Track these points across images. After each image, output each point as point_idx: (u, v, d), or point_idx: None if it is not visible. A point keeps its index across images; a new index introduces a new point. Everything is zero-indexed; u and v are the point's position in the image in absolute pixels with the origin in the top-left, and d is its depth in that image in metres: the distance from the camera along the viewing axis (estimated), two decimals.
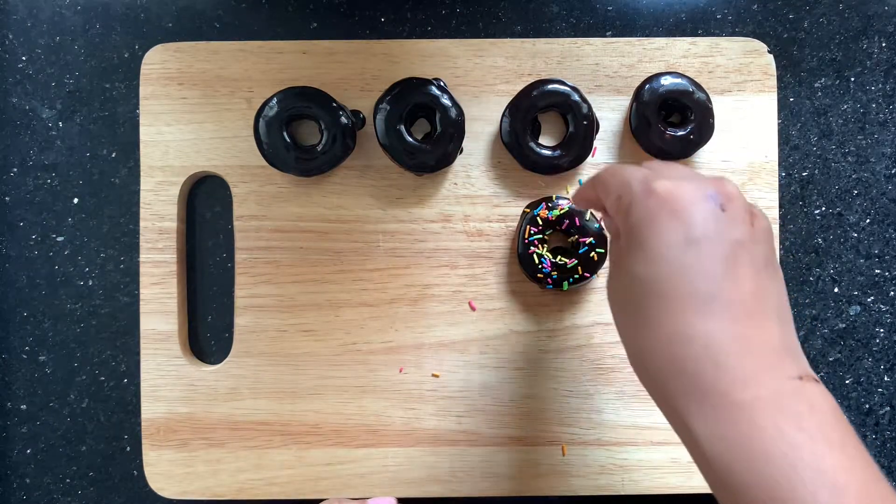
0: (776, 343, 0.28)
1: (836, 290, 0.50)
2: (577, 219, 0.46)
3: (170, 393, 0.47)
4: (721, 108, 0.47)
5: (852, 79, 0.50)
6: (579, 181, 0.48)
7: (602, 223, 0.40)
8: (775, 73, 0.48)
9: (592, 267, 0.46)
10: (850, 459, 0.26)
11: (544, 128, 0.48)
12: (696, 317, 0.28)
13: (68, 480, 0.50)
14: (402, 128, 0.46)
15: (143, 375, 0.47)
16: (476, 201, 0.48)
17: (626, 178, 0.31)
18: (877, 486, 0.26)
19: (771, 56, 0.48)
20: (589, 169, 0.48)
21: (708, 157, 0.48)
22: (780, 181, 0.49)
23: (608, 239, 0.45)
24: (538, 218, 0.46)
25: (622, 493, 0.47)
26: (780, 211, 0.49)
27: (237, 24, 0.50)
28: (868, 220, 0.50)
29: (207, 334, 0.50)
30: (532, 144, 0.46)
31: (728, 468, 0.27)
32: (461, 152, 0.47)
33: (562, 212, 0.46)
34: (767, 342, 0.28)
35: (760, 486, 0.26)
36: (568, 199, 0.47)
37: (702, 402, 0.27)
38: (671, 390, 0.28)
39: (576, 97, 0.46)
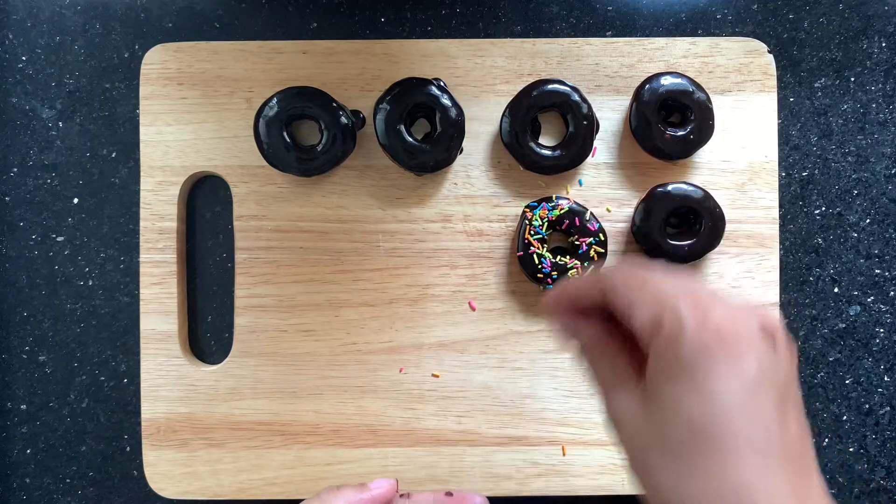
0: (820, 490, 0.28)
1: (836, 290, 0.50)
2: (577, 219, 0.46)
3: (170, 393, 0.47)
4: (721, 108, 0.47)
5: (852, 79, 0.50)
6: (579, 181, 0.48)
7: (561, 329, 0.31)
8: (775, 73, 0.48)
9: None
10: None
11: (544, 128, 0.48)
12: (755, 469, 0.27)
13: (68, 480, 0.49)
14: (402, 128, 0.46)
15: (143, 375, 0.47)
16: (476, 201, 0.48)
17: (667, 299, 0.28)
18: None
19: (771, 56, 0.48)
20: (589, 169, 0.48)
21: (708, 157, 0.48)
22: (780, 181, 0.49)
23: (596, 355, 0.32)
24: (538, 218, 0.46)
25: (622, 493, 0.47)
26: (780, 211, 0.49)
27: (237, 24, 0.50)
28: (868, 220, 0.50)
29: (207, 334, 0.50)
30: (532, 144, 0.46)
31: None
32: (461, 152, 0.47)
33: (562, 212, 0.46)
34: (817, 493, 0.27)
35: None
36: (568, 199, 0.47)
37: None
38: None
39: (576, 97, 0.46)
